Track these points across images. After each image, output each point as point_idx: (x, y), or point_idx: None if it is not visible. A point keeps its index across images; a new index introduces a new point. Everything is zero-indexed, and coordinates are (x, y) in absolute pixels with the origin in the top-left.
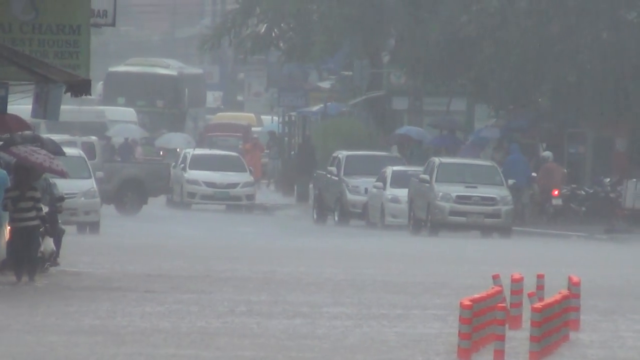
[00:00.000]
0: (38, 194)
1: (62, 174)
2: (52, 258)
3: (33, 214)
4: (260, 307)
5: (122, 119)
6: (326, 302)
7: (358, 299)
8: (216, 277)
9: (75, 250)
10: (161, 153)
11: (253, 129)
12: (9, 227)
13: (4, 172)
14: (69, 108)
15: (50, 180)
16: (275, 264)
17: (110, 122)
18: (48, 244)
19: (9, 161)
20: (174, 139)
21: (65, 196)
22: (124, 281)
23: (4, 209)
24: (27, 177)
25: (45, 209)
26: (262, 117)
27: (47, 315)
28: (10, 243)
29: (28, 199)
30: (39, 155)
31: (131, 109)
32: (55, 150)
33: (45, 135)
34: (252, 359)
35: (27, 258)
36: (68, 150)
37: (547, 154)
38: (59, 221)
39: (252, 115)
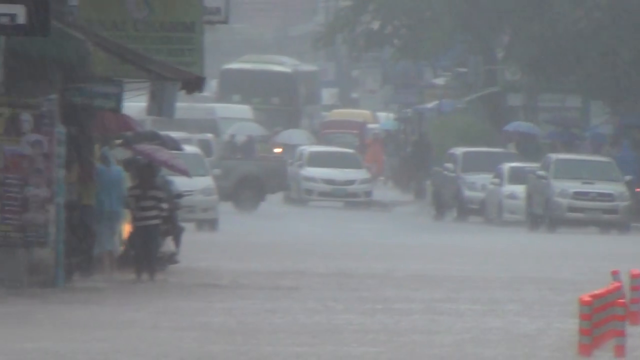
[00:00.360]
0: (160, 193)
1: (185, 173)
2: (172, 257)
3: (154, 213)
4: (389, 304)
5: (236, 116)
6: (450, 298)
7: (480, 295)
8: (335, 274)
9: (194, 247)
10: (276, 150)
11: (369, 125)
12: (128, 226)
13: (119, 168)
14: (178, 105)
15: (167, 178)
16: (395, 261)
17: (221, 120)
18: (168, 243)
19: (124, 159)
20: (294, 135)
21: (183, 194)
22: (244, 279)
23: (125, 207)
24: (150, 175)
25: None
26: (377, 113)
27: (160, 312)
28: (130, 241)
29: (150, 198)
30: (163, 154)
31: (246, 107)
32: (175, 147)
33: (164, 133)
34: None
35: (148, 257)
36: (185, 148)
37: None
38: (178, 219)
39: (367, 112)
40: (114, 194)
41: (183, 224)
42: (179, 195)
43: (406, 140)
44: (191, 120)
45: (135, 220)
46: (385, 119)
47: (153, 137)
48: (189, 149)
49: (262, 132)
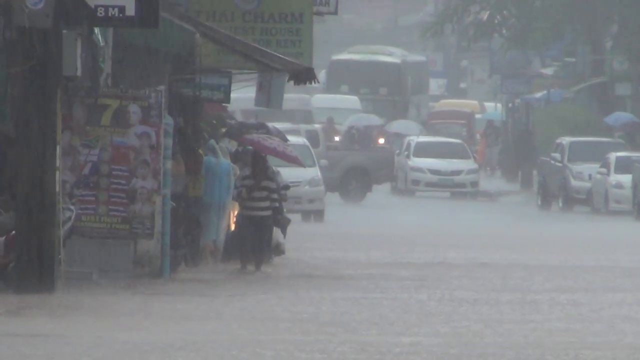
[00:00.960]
0: (273, 185)
1: (297, 161)
2: (278, 248)
3: (267, 204)
4: (495, 295)
5: (344, 106)
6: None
7: (589, 283)
8: (444, 265)
9: (300, 238)
10: (380, 141)
11: (477, 116)
12: (234, 217)
13: (228, 162)
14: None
15: (275, 169)
16: (506, 251)
17: (326, 110)
18: (276, 234)
19: (231, 150)
20: (405, 126)
21: (290, 184)
22: (350, 270)
23: (237, 197)
24: (263, 166)
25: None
26: (485, 104)
27: (260, 303)
28: (239, 232)
29: (262, 188)
30: (272, 141)
31: (354, 97)
32: (281, 138)
33: (270, 124)
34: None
35: (256, 248)
36: (292, 139)
37: None
38: (284, 210)
39: (475, 102)
40: (223, 186)
41: (289, 215)
42: (287, 187)
43: (514, 130)
44: (286, 111)
45: (246, 210)
46: (493, 109)
47: (259, 128)
48: (296, 139)
49: (379, 123)
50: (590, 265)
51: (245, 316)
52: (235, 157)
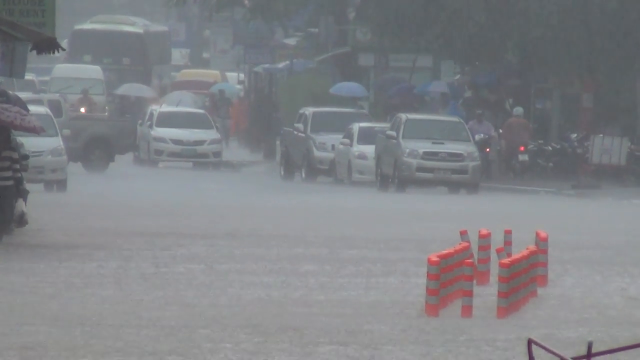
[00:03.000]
0: (15, 154)
1: (35, 130)
2: (22, 218)
3: (9, 174)
4: (237, 264)
5: (86, 76)
6: (300, 257)
7: (331, 255)
8: (184, 234)
9: (42, 209)
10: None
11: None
12: None
13: None
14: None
15: (19, 140)
16: (241, 221)
17: (72, 80)
18: (19, 204)
19: None
20: (136, 88)
21: (32, 154)
22: (91, 239)
23: None
24: (6, 136)
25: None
26: (228, 74)
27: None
28: None
29: (4, 158)
30: (10, 113)
31: (97, 67)
32: (22, 107)
33: (12, 92)
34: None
35: (1, 219)
36: (35, 108)
37: (518, 109)
38: (24, 181)
39: (217, 72)
40: None
41: (29, 185)
42: (26, 156)
43: (257, 100)
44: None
45: None
46: (236, 79)
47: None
48: (38, 109)
49: (152, 95)
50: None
51: None
52: None
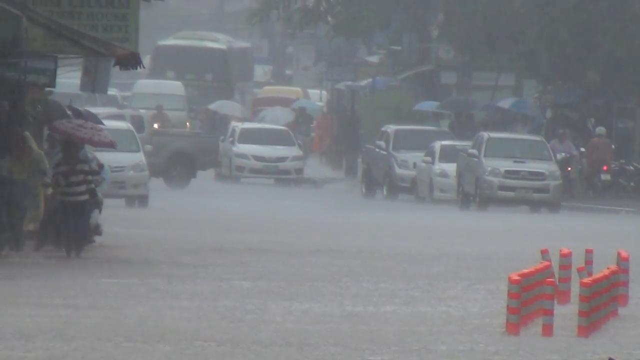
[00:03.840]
0: (87, 167)
1: (112, 145)
2: (97, 229)
3: (84, 187)
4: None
5: (167, 92)
6: (378, 271)
7: (412, 272)
8: (262, 249)
9: (123, 224)
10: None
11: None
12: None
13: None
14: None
15: (87, 154)
16: (324, 237)
17: (153, 96)
18: (94, 215)
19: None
20: (225, 106)
21: (114, 170)
22: (173, 255)
23: (55, 184)
24: (76, 150)
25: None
26: (310, 91)
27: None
28: (57, 217)
29: (78, 172)
30: (86, 130)
31: (178, 83)
32: (95, 122)
33: (83, 108)
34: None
35: (77, 232)
36: (116, 124)
37: (601, 129)
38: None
39: (298, 89)
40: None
41: (109, 201)
42: (96, 172)
43: (338, 117)
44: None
45: (64, 195)
46: (318, 96)
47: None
48: (120, 124)
49: (242, 113)
50: (431, 254)
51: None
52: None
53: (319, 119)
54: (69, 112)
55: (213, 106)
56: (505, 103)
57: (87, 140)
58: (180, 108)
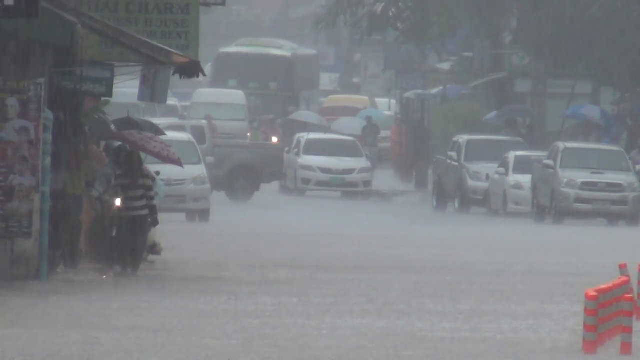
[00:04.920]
0: (149, 182)
1: (178, 163)
2: (154, 248)
3: (143, 202)
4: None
5: (228, 101)
6: (454, 287)
7: (483, 286)
8: (340, 266)
9: (184, 239)
10: (273, 139)
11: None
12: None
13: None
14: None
15: (146, 167)
16: (389, 248)
17: (213, 105)
18: (152, 234)
19: (111, 144)
20: (306, 115)
21: (174, 183)
22: (237, 271)
23: (114, 196)
24: (139, 164)
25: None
26: (378, 99)
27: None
28: (115, 233)
29: (139, 186)
30: (156, 144)
31: (239, 92)
32: (157, 133)
33: (143, 119)
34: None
35: (134, 248)
36: (177, 135)
37: None
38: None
39: (366, 98)
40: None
41: (169, 216)
42: (153, 181)
43: (408, 128)
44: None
45: (123, 210)
46: (387, 105)
47: (129, 123)
48: (180, 136)
49: (320, 122)
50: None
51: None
52: (108, 153)
53: (392, 128)
54: (112, 127)
55: (293, 116)
56: (590, 111)
57: (156, 154)
58: (241, 118)
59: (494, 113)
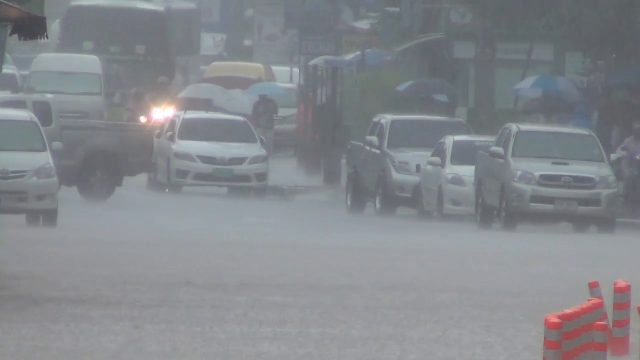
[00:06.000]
0: None
1: None
2: None
3: None
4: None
5: (78, 70)
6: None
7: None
8: (209, 285)
9: (24, 249)
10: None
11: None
12: None
13: None
14: None
15: None
16: (291, 267)
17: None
18: None
19: None
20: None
21: (11, 175)
22: (87, 290)
23: None
24: None
25: None
26: (276, 68)
27: None
28: None
29: None
30: None
31: (94, 57)
32: None
33: None
34: None
35: None
36: (15, 113)
37: None
38: None
39: (260, 65)
40: None
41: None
42: None
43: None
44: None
45: None
46: (288, 75)
47: None
48: (20, 114)
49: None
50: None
51: None
52: None
53: (300, 105)
54: None
55: (185, 93)
56: (566, 86)
57: None
58: (96, 92)
59: (408, 83)
